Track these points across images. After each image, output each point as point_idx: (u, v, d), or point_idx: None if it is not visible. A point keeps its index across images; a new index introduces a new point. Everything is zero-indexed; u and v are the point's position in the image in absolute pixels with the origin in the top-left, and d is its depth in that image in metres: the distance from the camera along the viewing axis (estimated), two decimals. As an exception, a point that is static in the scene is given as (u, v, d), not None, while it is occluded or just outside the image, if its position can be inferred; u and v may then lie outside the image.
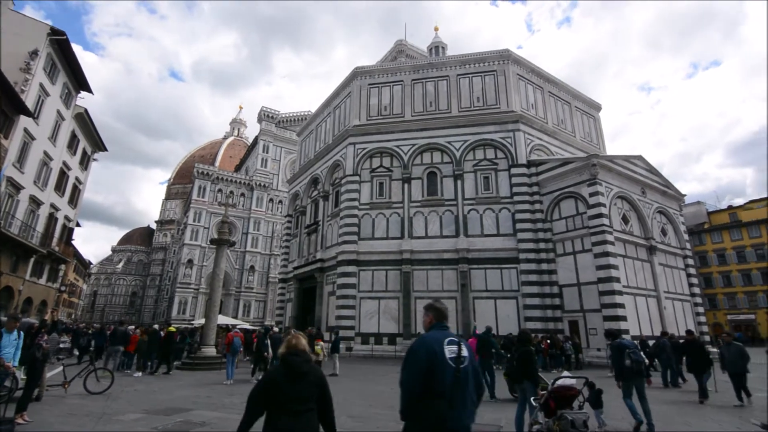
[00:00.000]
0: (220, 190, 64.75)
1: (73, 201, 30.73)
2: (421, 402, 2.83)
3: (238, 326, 27.68)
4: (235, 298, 60.89)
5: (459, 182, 25.89)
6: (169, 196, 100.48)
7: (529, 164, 25.28)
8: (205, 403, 9.45)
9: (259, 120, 72.00)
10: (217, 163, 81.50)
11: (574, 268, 22.13)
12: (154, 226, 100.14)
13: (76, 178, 30.57)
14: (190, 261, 59.81)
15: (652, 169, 26.41)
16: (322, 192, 31.15)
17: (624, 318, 19.69)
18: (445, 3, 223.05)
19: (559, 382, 6.33)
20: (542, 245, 23.47)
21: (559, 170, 23.68)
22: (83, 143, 30.85)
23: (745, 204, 53.49)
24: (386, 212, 26.40)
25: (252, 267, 62.77)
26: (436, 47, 41.08)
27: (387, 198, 26.72)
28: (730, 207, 55.23)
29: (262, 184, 67.10)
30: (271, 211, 67.71)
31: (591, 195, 21.74)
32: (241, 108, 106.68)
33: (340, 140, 29.77)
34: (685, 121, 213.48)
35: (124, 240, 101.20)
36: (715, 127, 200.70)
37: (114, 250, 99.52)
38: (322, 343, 15.12)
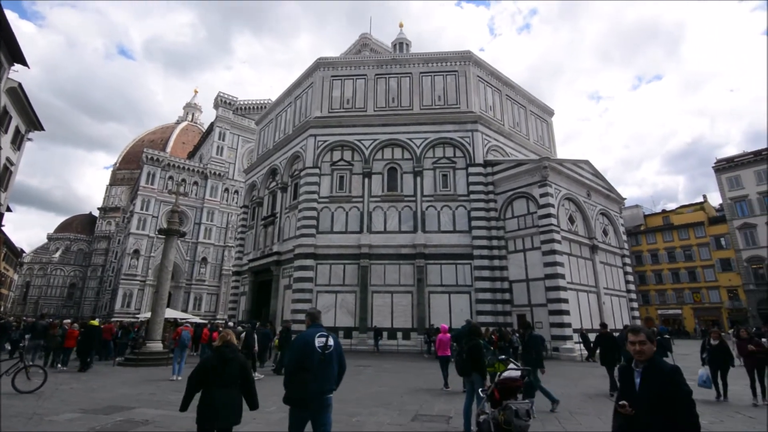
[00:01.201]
0: (171, 178, 61.52)
1: (3, 183, 28.02)
2: (295, 375, 4.25)
3: (188, 320, 26.66)
4: (186, 290, 58.37)
5: (418, 179, 26.29)
6: (114, 182, 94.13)
7: (486, 164, 26.14)
8: (148, 401, 9.06)
9: (216, 106, 69.00)
10: (168, 149, 77.34)
11: (524, 264, 23.24)
12: (96, 213, 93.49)
13: (7, 159, 27.85)
14: (136, 251, 56.50)
15: (597, 174, 28.17)
16: (281, 183, 30.50)
17: (567, 312, 20.98)
18: (412, 1, 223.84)
19: (505, 374, 6.64)
20: (495, 242, 24.43)
21: (513, 171, 24.69)
22: (16, 120, 28.07)
23: (677, 209, 58.45)
24: (346, 206, 26.33)
25: (204, 259, 60.36)
26: (401, 44, 41.26)
27: (347, 192, 26.64)
28: (663, 211, 60.11)
29: (217, 172, 64.54)
30: (226, 201, 65.32)
31: (541, 196, 22.87)
32: (196, 92, 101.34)
33: (300, 131, 29.23)
34: (628, 130, 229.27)
35: (63, 227, 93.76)
36: (655, 137, 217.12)
37: (50, 238, 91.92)
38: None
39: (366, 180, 26.61)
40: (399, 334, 23.33)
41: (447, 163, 26.66)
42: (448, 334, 11.99)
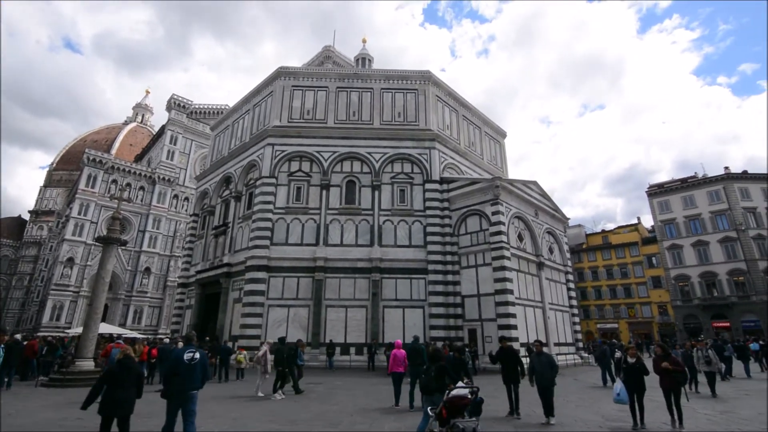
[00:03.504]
0: (114, 181, 57.73)
1: None
2: (171, 378, 6.30)
3: (124, 335, 24.90)
4: (125, 303, 54.41)
5: (377, 193, 26.49)
6: (49, 183, 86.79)
7: (442, 181, 26.87)
8: (73, 426, 8.30)
9: (169, 108, 66.02)
10: (113, 151, 72.59)
11: (476, 280, 23.92)
12: (27, 216, 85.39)
13: None
14: (70, 259, 52.06)
15: (544, 194, 29.79)
16: (235, 192, 29.53)
17: (515, 327, 21.74)
18: (378, 17, 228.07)
19: (454, 392, 6.73)
20: (449, 258, 25.00)
21: (468, 189, 25.55)
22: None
23: (615, 229, 63.03)
24: (302, 218, 25.93)
25: (148, 269, 56.73)
26: (363, 58, 41.83)
27: (304, 203, 26.27)
28: (603, 231, 64.54)
29: (167, 178, 61.39)
30: (175, 208, 62.16)
31: (493, 213, 23.79)
32: (148, 92, 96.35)
33: (258, 140, 28.60)
34: (574, 154, 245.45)
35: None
36: (597, 161, 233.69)
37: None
38: (245, 352, 18.25)
39: (324, 192, 26.41)
40: (352, 349, 23.06)
41: (405, 178, 27.11)
42: (403, 351, 11.51)
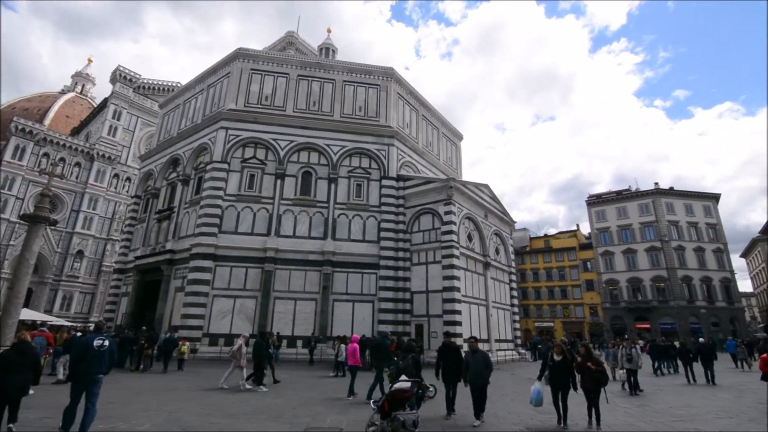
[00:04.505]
0: (46, 155, 52.75)
1: None
2: (78, 363, 6.57)
3: (49, 323, 23.02)
4: (52, 288, 50.05)
5: (333, 186, 26.30)
6: (-37, 151, 77.32)
7: (398, 178, 27.19)
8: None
9: (113, 80, 61.21)
10: (47, 121, 66.01)
11: (425, 276, 24.52)
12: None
13: None
14: (-13, 238, 46.97)
15: (494, 197, 31.06)
16: (183, 175, 28.07)
17: (460, 323, 22.59)
18: (345, 9, 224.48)
19: (396, 385, 6.92)
20: (401, 254, 25.41)
21: (423, 188, 26.07)
22: None
23: (556, 234, 67.06)
24: (254, 206, 25.19)
25: (80, 252, 52.50)
26: (327, 49, 41.21)
27: (257, 192, 25.52)
28: (545, 235, 68.44)
29: (107, 155, 57.00)
30: (115, 188, 57.92)
31: (446, 213, 24.46)
32: (90, 61, 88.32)
33: (211, 122, 27.32)
34: (525, 161, 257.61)
35: None
36: (545, 170, 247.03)
37: None
38: (188, 343, 18.61)
39: (278, 181, 25.81)
40: (299, 342, 22.82)
41: (362, 173, 27.12)
42: (356, 345, 12.15)
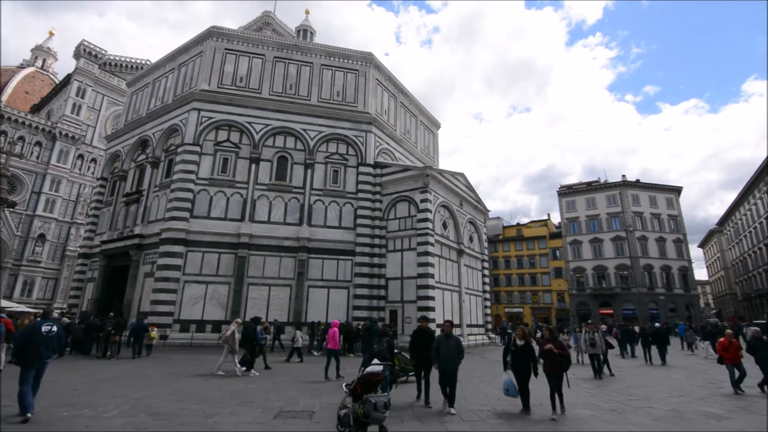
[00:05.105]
0: (4, 133, 49.63)
1: None
2: (27, 348, 6.86)
3: (8, 309, 22.10)
4: (12, 273, 47.69)
5: (309, 171, 26.01)
6: None
7: (376, 165, 27.15)
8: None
9: (77, 56, 57.77)
10: (4, 97, 61.93)
11: (401, 263, 24.78)
12: None
13: None
14: (-63, 219, 44.11)
15: (470, 186, 31.52)
16: (152, 157, 27.09)
17: (433, 309, 23.04)
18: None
19: (369, 369, 7.03)
20: (377, 241, 25.55)
21: (400, 175, 26.15)
22: None
23: (528, 223, 68.86)
24: (227, 191, 24.65)
25: (42, 236, 50.10)
26: (305, 30, 40.15)
27: (230, 176, 24.96)
28: (518, 224, 70.17)
29: (71, 135, 54.14)
30: (80, 170, 55.25)
31: (422, 201, 24.69)
32: (52, 34, 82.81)
33: (182, 103, 26.36)
34: (500, 151, 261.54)
35: None
36: (520, 161, 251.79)
37: None
38: (156, 329, 18.60)
39: (253, 166, 25.30)
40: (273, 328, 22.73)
41: (339, 159, 26.92)
42: (336, 329, 12.71)
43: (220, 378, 11.97)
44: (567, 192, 59.44)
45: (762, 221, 52.75)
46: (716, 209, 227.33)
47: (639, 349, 20.22)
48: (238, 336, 12.99)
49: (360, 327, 19.74)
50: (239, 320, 14.03)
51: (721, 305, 77.66)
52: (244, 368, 12.73)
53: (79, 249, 35.69)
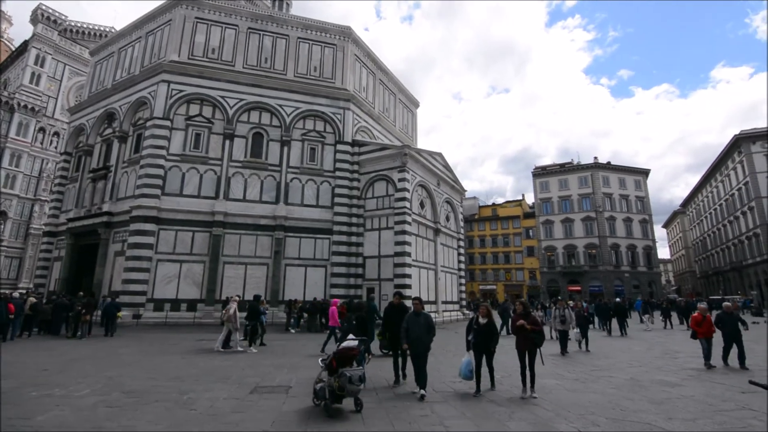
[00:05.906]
0: (-49, 102, 46.22)
1: None
2: None
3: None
4: (-30, 251, 45.48)
5: (286, 148, 25.54)
6: None
7: (354, 143, 26.89)
8: None
9: (34, 21, 53.79)
10: (-52, 62, 57.48)
11: (378, 242, 24.99)
12: None
13: None
14: None
15: (447, 166, 31.74)
16: (119, 132, 25.92)
17: (410, 286, 23.50)
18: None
19: (344, 344, 7.19)
20: (354, 220, 25.60)
21: (378, 154, 26.03)
22: None
23: (503, 203, 70.27)
24: (200, 168, 23.98)
25: (3, 213, 47.55)
26: (281, 1, 38.63)
27: (203, 152, 24.23)
28: (493, 204, 71.53)
29: (30, 106, 50.99)
30: (41, 144, 52.42)
31: (399, 180, 24.74)
32: (0, -7, 76.68)
33: (150, 74, 25.13)
34: (478, 131, 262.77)
35: None
36: (497, 141, 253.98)
37: None
38: (123, 311, 18.69)
39: (227, 142, 24.61)
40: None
41: (316, 136, 26.49)
42: (335, 308, 13.54)
43: (194, 355, 11.98)
44: (541, 173, 60.70)
45: (722, 203, 55.61)
46: (681, 191, 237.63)
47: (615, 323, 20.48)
48: (239, 313, 13.29)
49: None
50: (237, 298, 14.11)
51: (681, 282, 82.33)
52: (239, 345, 13.15)
53: (44, 227, 34.26)
